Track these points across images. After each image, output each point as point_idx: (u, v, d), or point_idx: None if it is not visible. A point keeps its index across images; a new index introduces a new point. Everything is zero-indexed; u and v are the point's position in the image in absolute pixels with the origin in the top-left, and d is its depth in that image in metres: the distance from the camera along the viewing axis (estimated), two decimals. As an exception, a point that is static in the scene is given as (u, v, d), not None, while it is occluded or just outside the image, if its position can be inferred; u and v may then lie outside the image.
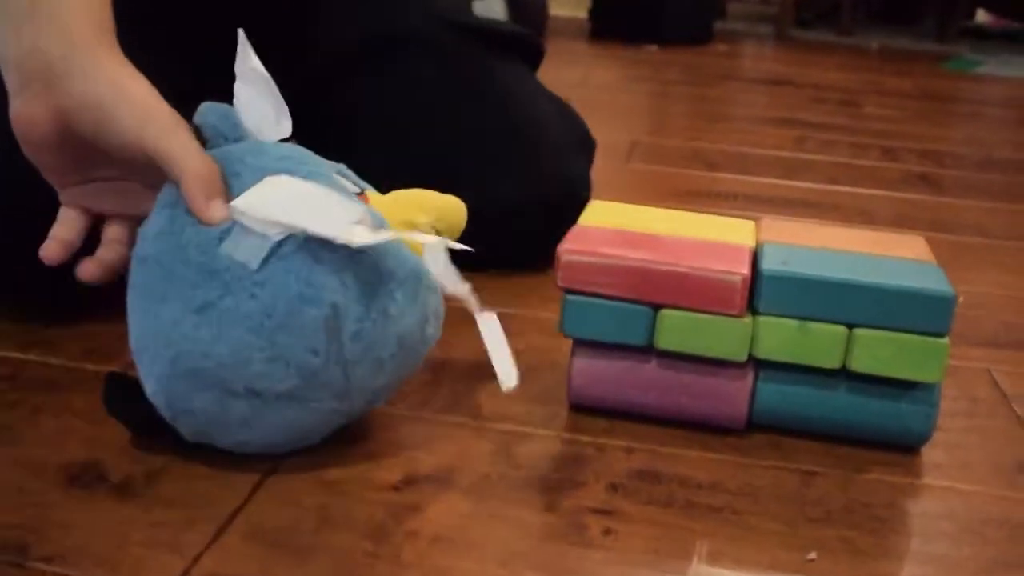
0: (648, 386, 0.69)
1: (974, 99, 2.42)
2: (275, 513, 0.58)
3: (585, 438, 0.69)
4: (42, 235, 0.64)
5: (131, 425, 0.64)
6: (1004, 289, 1.05)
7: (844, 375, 0.68)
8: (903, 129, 1.89)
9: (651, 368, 0.69)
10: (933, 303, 0.65)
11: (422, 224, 0.70)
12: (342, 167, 0.66)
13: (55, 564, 0.53)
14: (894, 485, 0.66)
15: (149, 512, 0.58)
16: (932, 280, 0.66)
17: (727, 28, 3.38)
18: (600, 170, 1.13)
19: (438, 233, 0.72)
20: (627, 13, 2.91)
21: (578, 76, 2.17)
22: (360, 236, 0.58)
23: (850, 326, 0.66)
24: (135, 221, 0.63)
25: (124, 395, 0.63)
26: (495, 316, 0.63)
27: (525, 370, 0.76)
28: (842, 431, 0.69)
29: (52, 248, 0.64)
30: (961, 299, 0.98)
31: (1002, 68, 2.89)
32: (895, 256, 0.71)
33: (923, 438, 0.69)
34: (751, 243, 0.71)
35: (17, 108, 0.61)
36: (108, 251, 0.65)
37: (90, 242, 0.65)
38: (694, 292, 0.66)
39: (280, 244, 0.58)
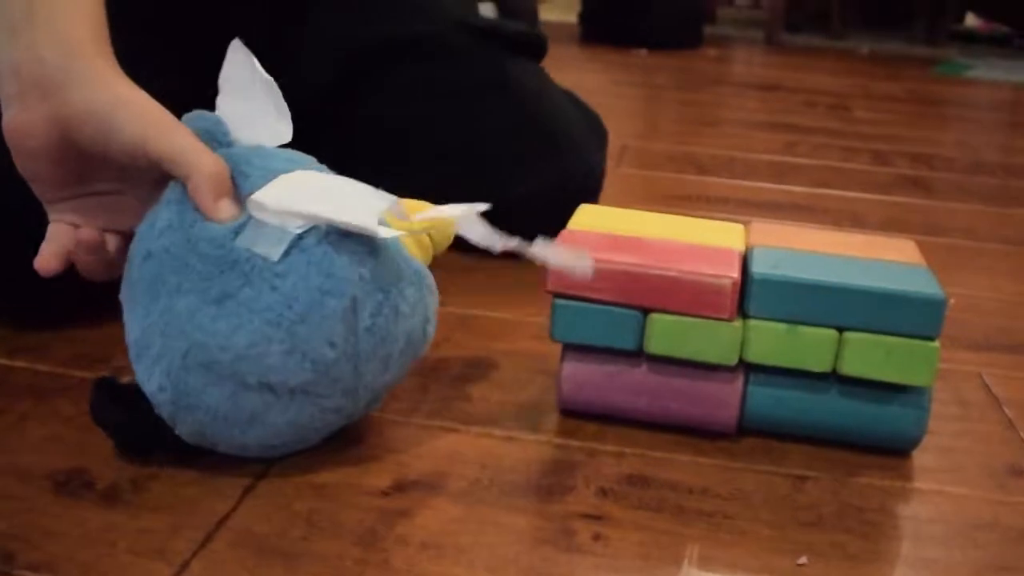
0: (638, 390, 0.69)
1: (964, 103, 2.42)
2: (264, 519, 0.58)
3: (575, 443, 0.68)
4: (28, 241, 0.63)
5: (117, 434, 0.63)
6: (995, 292, 1.05)
7: (835, 379, 0.68)
8: (893, 133, 1.89)
9: (641, 372, 0.69)
10: (923, 306, 0.65)
11: (411, 233, 0.70)
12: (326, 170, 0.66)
13: (42, 572, 0.53)
14: (885, 489, 0.65)
15: (136, 519, 0.57)
16: (922, 283, 0.66)
17: (717, 33, 3.38)
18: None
19: (432, 240, 0.72)
20: (617, 18, 2.90)
21: (568, 80, 2.16)
22: (385, 229, 0.58)
23: (840, 329, 0.66)
24: (125, 238, 0.63)
25: (112, 402, 0.63)
26: (541, 240, 0.63)
27: (516, 375, 0.77)
28: (833, 435, 0.69)
29: (46, 259, 0.62)
30: (952, 302, 0.98)
31: (991, 72, 2.89)
32: (885, 259, 0.71)
33: (914, 442, 0.68)
34: (741, 247, 0.71)
35: (12, 117, 0.60)
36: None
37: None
38: (684, 296, 0.66)
39: (300, 237, 0.58)
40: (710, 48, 3.03)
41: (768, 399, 0.68)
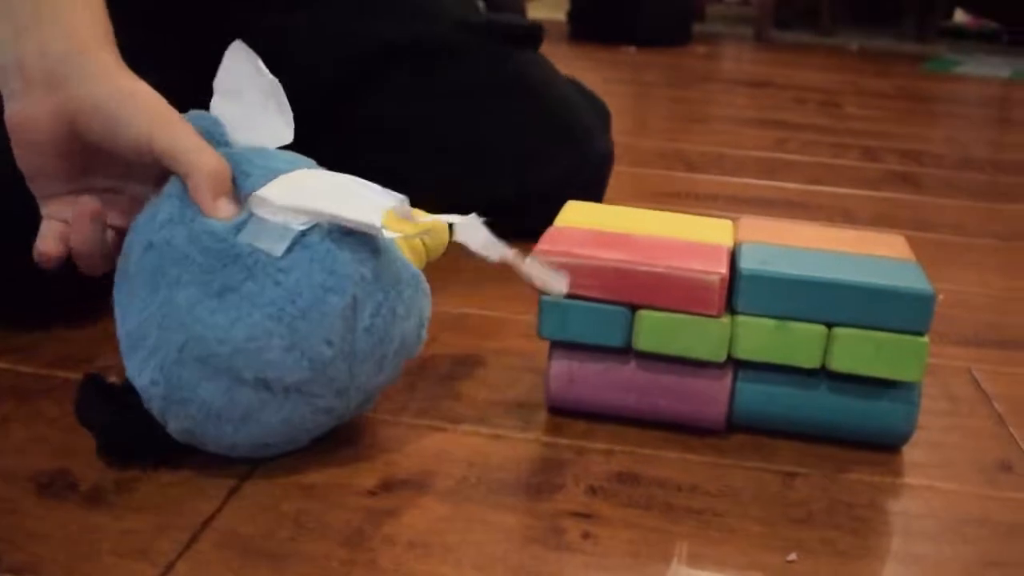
0: (627, 388, 0.68)
1: (953, 99, 2.42)
2: (250, 519, 0.57)
3: (564, 441, 0.68)
4: (17, 242, 0.63)
5: (102, 434, 0.62)
6: (984, 288, 1.04)
7: (824, 375, 0.67)
8: (883, 129, 1.89)
9: (629, 370, 0.68)
10: (913, 301, 0.65)
11: (411, 236, 0.70)
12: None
13: (24, 574, 0.52)
14: (875, 485, 0.65)
15: (120, 520, 0.57)
16: (912, 278, 0.66)
17: (706, 30, 3.38)
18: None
19: (425, 247, 0.72)
20: (605, 15, 2.90)
21: (558, 78, 2.17)
22: (388, 229, 0.58)
23: (829, 325, 0.66)
24: (119, 234, 0.63)
25: (99, 400, 0.62)
26: (533, 257, 0.64)
27: (504, 374, 0.76)
28: (822, 431, 0.68)
29: (46, 242, 0.62)
30: (941, 297, 0.98)
31: (980, 68, 2.90)
32: (874, 254, 0.70)
33: (904, 437, 0.68)
34: (729, 242, 0.70)
35: (18, 110, 0.60)
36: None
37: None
38: (672, 292, 0.66)
39: (303, 234, 0.58)
40: (699, 45, 3.02)
41: (757, 395, 0.68)
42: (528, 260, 0.63)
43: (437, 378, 0.75)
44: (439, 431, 0.68)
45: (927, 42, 3.38)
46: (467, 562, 0.55)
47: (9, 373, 0.73)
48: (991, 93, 2.55)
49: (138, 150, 0.59)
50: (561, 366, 0.69)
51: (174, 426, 0.60)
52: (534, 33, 1.12)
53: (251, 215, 0.58)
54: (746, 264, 0.66)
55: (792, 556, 0.57)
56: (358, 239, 0.59)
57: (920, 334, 0.65)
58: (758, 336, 0.66)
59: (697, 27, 3.23)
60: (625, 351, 0.68)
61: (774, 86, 2.36)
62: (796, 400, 0.68)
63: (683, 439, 0.69)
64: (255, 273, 0.57)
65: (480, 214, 0.99)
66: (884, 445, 0.69)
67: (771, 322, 0.66)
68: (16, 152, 0.61)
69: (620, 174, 1.32)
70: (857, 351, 0.65)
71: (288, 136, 0.64)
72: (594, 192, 1.13)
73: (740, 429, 0.70)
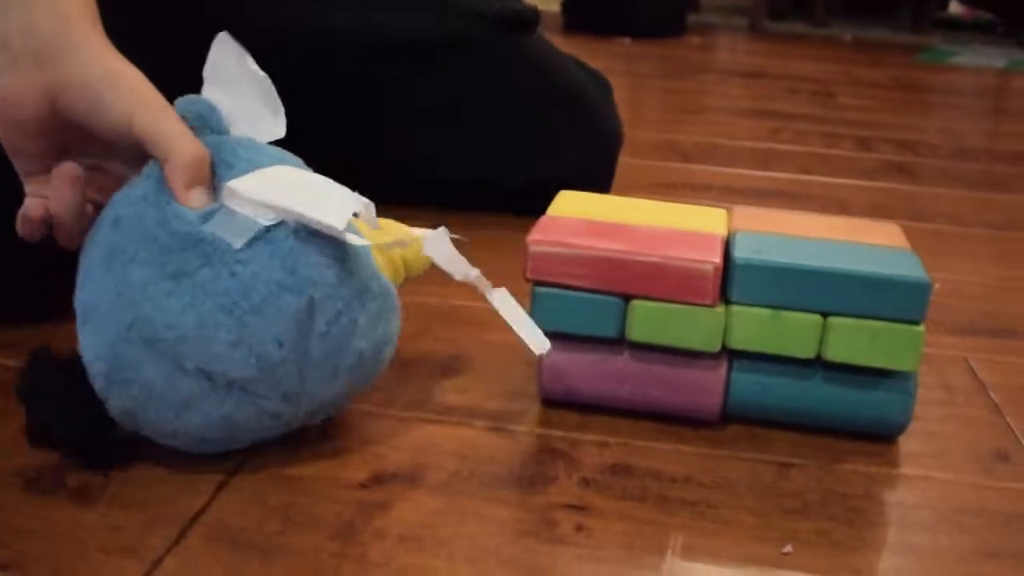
0: (620, 379, 0.68)
1: (947, 89, 2.42)
2: (239, 514, 0.57)
3: (557, 433, 0.67)
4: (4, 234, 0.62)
5: (40, 414, 0.60)
6: (980, 277, 1.04)
7: (819, 364, 0.67)
8: (878, 119, 1.88)
9: (623, 360, 0.68)
10: (908, 290, 0.64)
11: (396, 256, 0.69)
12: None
13: (11, 571, 0.51)
14: (871, 475, 0.65)
15: (108, 516, 0.56)
16: (907, 267, 0.65)
17: (700, 21, 3.38)
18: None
19: (405, 262, 0.70)
20: (600, 6, 2.89)
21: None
22: (352, 235, 0.58)
23: (824, 314, 0.65)
24: (98, 210, 0.62)
25: (43, 375, 0.60)
26: (505, 291, 0.62)
27: (496, 365, 0.76)
28: (818, 421, 0.68)
29: (30, 207, 0.61)
30: (937, 287, 0.97)
31: (975, 58, 2.89)
32: (870, 243, 0.70)
33: (900, 427, 0.68)
34: (723, 231, 0.70)
35: (5, 86, 0.60)
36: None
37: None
38: (665, 282, 0.65)
39: (268, 230, 0.57)
40: (693, 36, 3.02)
41: (752, 386, 0.67)
42: (496, 292, 0.62)
43: (429, 370, 0.75)
44: (431, 423, 0.68)
45: (922, 33, 3.37)
46: (459, 555, 0.54)
47: (-4, 367, 0.72)
48: (986, 83, 2.55)
49: (119, 131, 0.59)
50: (554, 357, 0.68)
51: (114, 405, 0.58)
52: (533, 18, 1.13)
53: (222, 205, 0.57)
54: (740, 253, 0.66)
55: (788, 548, 0.57)
56: (326, 243, 0.58)
57: (916, 323, 0.64)
58: (753, 326, 0.65)
59: (691, 18, 3.22)
60: (618, 342, 0.68)
61: (768, 76, 2.35)
62: (791, 390, 0.67)
63: (677, 430, 0.68)
64: (212, 261, 0.56)
65: (501, 201, 1.06)
66: (880, 435, 0.68)
67: (766, 311, 0.65)
68: (0, 128, 0.61)
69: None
70: (852, 340, 0.65)
71: (280, 131, 0.64)
72: (607, 172, 1.18)
73: (734, 420, 0.69)
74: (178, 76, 0.65)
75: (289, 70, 0.65)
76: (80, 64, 0.59)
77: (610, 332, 0.67)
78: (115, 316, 0.57)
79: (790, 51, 2.85)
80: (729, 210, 0.76)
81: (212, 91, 0.63)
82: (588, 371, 0.68)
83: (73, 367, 0.59)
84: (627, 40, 2.79)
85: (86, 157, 0.63)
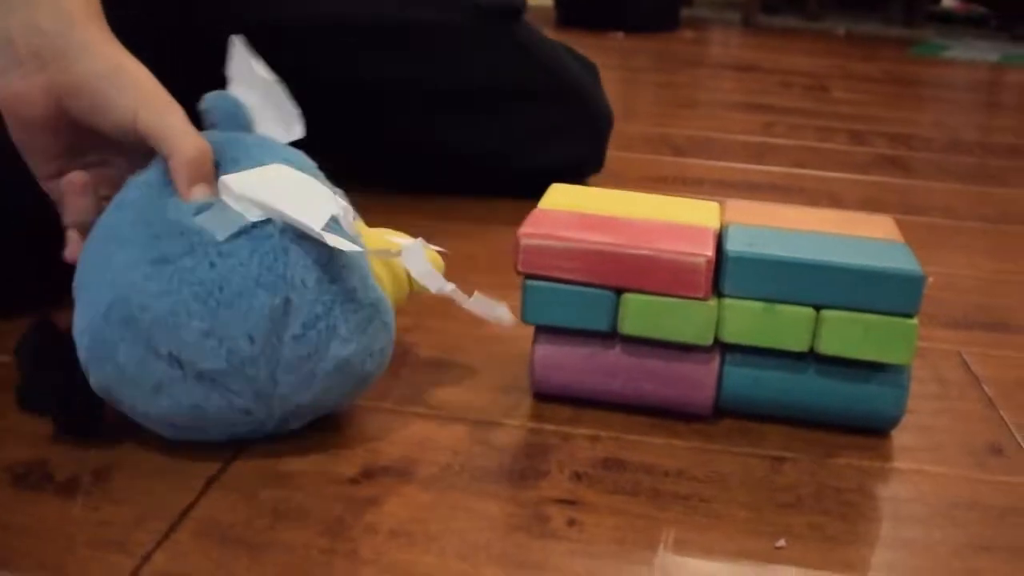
0: (612, 373, 0.68)
1: (941, 83, 2.42)
2: (229, 508, 0.56)
3: (549, 427, 0.67)
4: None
5: (27, 381, 0.61)
6: (973, 270, 1.04)
7: (812, 358, 0.66)
8: (871, 113, 1.88)
9: (615, 354, 0.67)
10: (902, 283, 0.64)
11: (398, 267, 0.68)
12: (341, 193, 0.66)
13: (-2, 567, 0.51)
14: (864, 469, 0.64)
15: (97, 511, 0.56)
16: (901, 260, 0.65)
17: (694, 15, 3.37)
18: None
19: (409, 279, 0.70)
20: (593, 1, 2.89)
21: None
22: (334, 238, 0.57)
23: (817, 308, 0.65)
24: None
25: (41, 346, 0.61)
26: (478, 293, 0.62)
27: (488, 360, 0.75)
28: (811, 415, 0.68)
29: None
30: (931, 280, 0.97)
31: (968, 52, 2.89)
32: (863, 236, 0.69)
33: (893, 421, 0.67)
34: (715, 225, 0.70)
35: (9, 85, 0.60)
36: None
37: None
38: (657, 275, 0.65)
39: (255, 226, 0.57)
40: (687, 30, 3.02)
41: (745, 379, 0.67)
42: (473, 298, 0.62)
43: (420, 364, 0.74)
44: (422, 418, 0.67)
45: (915, 27, 3.37)
46: (450, 551, 0.54)
47: (-15, 362, 0.72)
48: (980, 77, 2.55)
49: (124, 128, 0.59)
50: (545, 351, 0.68)
51: (95, 380, 0.59)
52: (519, 6, 1.15)
53: (218, 199, 0.58)
54: (733, 246, 0.65)
55: (781, 542, 0.56)
56: (312, 246, 0.58)
57: (909, 316, 0.64)
58: (745, 319, 0.65)
59: (685, 12, 3.22)
60: (610, 335, 0.67)
61: (761, 70, 2.35)
62: (784, 384, 0.67)
63: (670, 424, 0.68)
64: (195, 250, 0.56)
65: (497, 186, 1.09)
66: (873, 429, 0.68)
67: (758, 305, 0.65)
68: (10, 128, 0.61)
69: (608, 159, 1.32)
70: (846, 334, 0.64)
71: (299, 132, 0.64)
72: (598, 154, 1.22)
73: (727, 414, 0.69)
74: (178, 71, 0.65)
75: (284, 60, 0.65)
76: (84, 62, 0.59)
77: (602, 326, 0.66)
78: (99, 294, 0.58)
79: (783, 45, 2.85)
80: (722, 203, 0.75)
81: (238, 89, 0.64)
82: (580, 365, 0.68)
83: (69, 337, 0.60)
84: (620, 34, 2.78)
85: (95, 154, 0.63)
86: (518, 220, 0.68)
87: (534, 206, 0.71)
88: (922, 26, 3.39)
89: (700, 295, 0.64)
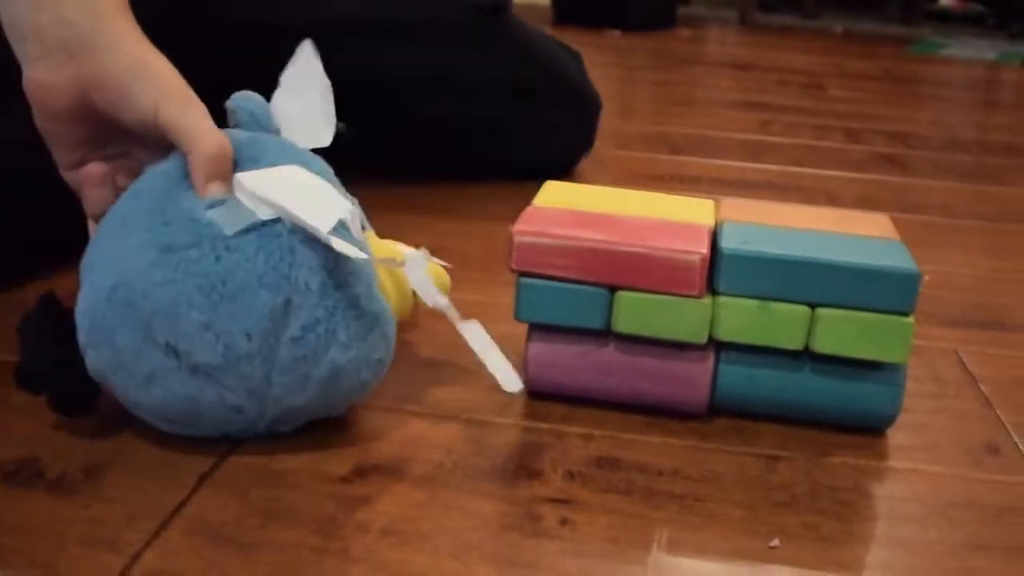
0: (607, 371, 0.67)
1: (938, 81, 2.41)
2: (220, 507, 0.56)
3: (543, 425, 0.67)
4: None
5: (27, 356, 0.61)
6: (970, 269, 1.03)
7: (807, 356, 0.66)
8: (868, 111, 1.88)
9: (609, 352, 0.67)
10: (897, 281, 0.63)
11: (403, 280, 0.68)
12: (355, 202, 0.66)
13: (-13, 565, 0.51)
14: (860, 468, 0.64)
15: (87, 509, 0.55)
16: (896, 257, 0.65)
17: (690, 13, 3.37)
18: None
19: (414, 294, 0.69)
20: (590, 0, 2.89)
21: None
22: (340, 243, 0.57)
23: (813, 306, 0.64)
24: None
25: (43, 321, 0.61)
26: (477, 323, 0.62)
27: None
28: (806, 414, 0.67)
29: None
30: (927, 279, 0.97)
31: (966, 50, 2.89)
32: (858, 234, 0.69)
33: (889, 420, 0.67)
34: (710, 222, 0.69)
35: (36, 75, 0.60)
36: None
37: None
38: (652, 273, 0.64)
39: (264, 224, 0.57)
40: (684, 29, 3.01)
41: (740, 378, 0.67)
42: (467, 324, 0.61)
43: (415, 362, 0.74)
44: (416, 416, 0.67)
45: (912, 25, 3.37)
46: (442, 550, 0.53)
47: (-24, 360, 0.72)
48: (977, 75, 2.55)
49: (145, 123, 0.60)
50: (539, 349, 0.68)
51: (91, 364, 0.59)
52: (502, 1, 1.17)
53: (232, 195, 0.58)
54: (728, 244, 0.65)
55: (775, 542, 0.56)
56: (319, 250, 0.58)
57: (905, 314, 0.64)
58: (740, 317, 0.65)
59: (682, 10, 3.22)
60: (605, 334, 0.67)
61: (758, 69, 2.35)
62: (779, 382, 0.66)
63: (664, 423, 0.67)
64: (202, 242, 0.57)
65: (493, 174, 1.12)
66: (869, 428, 0.68)
67: (753, 303, 0.65)
68: (36, 118, 0.62)
69: (604, 157, 1.32)
70: (841, 332, 0.64)
71: (326, 140, 0.65)
72: (589, 139, 1.27)
73: (722, 412, 0.69)
74: (208, 67, 0.66)
75: (282, 61, 0.65)
76: (110, 56, 0.60)
77: (596, 324, 0.66)
78: (104, 277, 0.58)
79: (780, 43, 2.84)
80: (717, 201, 0.75)
81: (281, 93, 0.65)
82: (574, 363, 0.67)
83: (72, 316, 0.60)
84: (617, 33, 2.78)
85: (117, 146, 0.64)
86: (513, 217, 0.68)
87: (528, 203, 0.71)
88: (919, 24, 3.39)
89: (695, 293, 0.64)
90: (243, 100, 0.64)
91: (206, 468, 0.59)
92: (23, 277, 0.80)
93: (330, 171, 0.64)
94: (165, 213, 0.58)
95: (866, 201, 1.26)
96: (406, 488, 0.59)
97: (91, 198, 0.64)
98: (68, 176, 0.64)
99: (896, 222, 0.75)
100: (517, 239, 0.65)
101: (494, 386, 0.70)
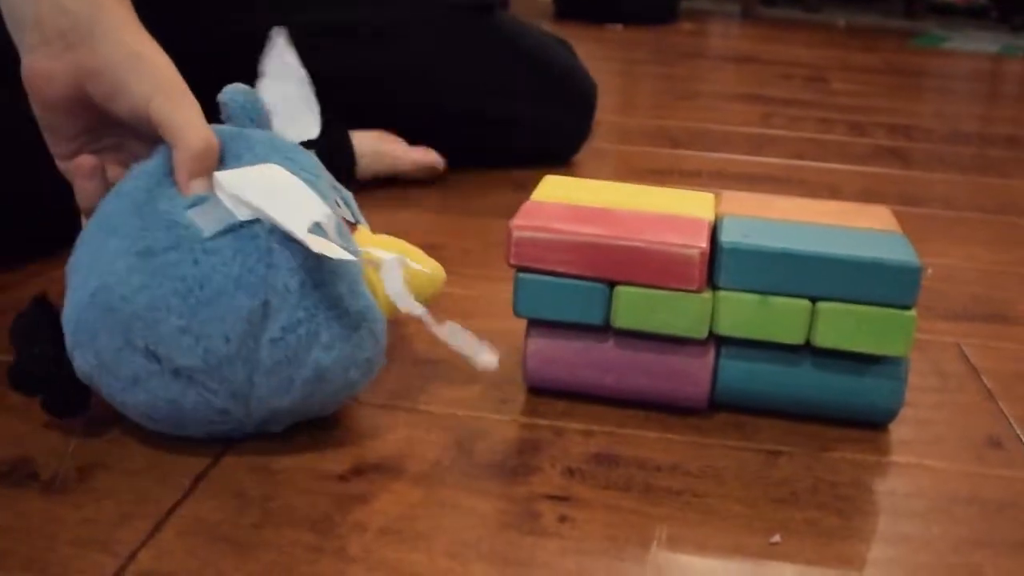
0: (606, 366, 0.67)
1: (941, 74, 2.41)
2: (216, 507, 0.55)
3: (542, 422, 0.66)
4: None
5: (18, 356, 0.61)
6: (973, 262, 1.03)
7: (808, 351, 0.65)
8: (871, 104, 1.87)
9: (609, 348, 0.66)
10: (898, 274, 0.63)
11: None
12: (349, 196, 0.66)
13: (-20, 566, 0.50)
14: (861, 463, 0.63)
15: (81, 509, 0.55)
16: (897, 250, 0.64)
17: (693, 7, 3.36)
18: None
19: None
20: (592, -7, 2.88)
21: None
22: (318, 243, 0.56)
23: (813, 300, 0.64)
24: None
25: (35, 322, 0.61)
26: (454, 323, 0.61)
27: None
28: (807, 409, 0.67)
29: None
30: (930, 271, 0.96)
31: (968, 43, 2.88)
32: (859, 227, 0.68)
33: (891, 414, 0.67)
34: (710, 216, 0.69)
35: (35, 63, 0.60)
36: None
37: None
38: (651, 267, 0.64)
39: (243, 225, 0.57)
40: (686, 22, 3.01)
41: (740, 373, 0.66)
42: (443, 326, 0.60)
43: (413, 359, 0.74)
44: (414, 413, 0.66)
45: (915, 18, 3.36)
46: (439, 548, 0.53)
47: (-29, 359, 0.71)
48: (980, 68, 2.54)
49: (138, 115, 0.60)
50: (538, 345, 0.67)
51: (78, 366, 0.59)
52: (491, 1, 1.19)
53: (213, 195, 0.58)
54: (727, 237, 0.64)
55: (776, 538, 0.55)
56: (298, 250, 0.57)
57: (907, 307, 0.63)
58: (740, 312, 0.64)
59: (684, 4, 3.21)
60: (604, 329, 0.66)
61: (760, 62, 2.34)
62: (780, 377, 0.66)
63: (664, 418, 0.67)
64: (180, 245, 0.56)
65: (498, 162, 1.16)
66: (871, 422, 0.67)
67: (753, 297, 0.64)
68: (34, 106, 0.62)
69: (605, 152, 1.31)
70: (842, 326, 0.63)
71: (314, 132, 0.64)
72: (587, 128, 1.29)
73: (722, 407, 0.68)
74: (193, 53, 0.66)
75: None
76: (106, 46, 0.59)
77: (595, 319, 0.65)
78: (86, 280, 0.58)
79: (783, 36, 2.84)
80: (717, 194, 0.74)
81: (267, 83, 0.64)
82: (573, 359, 0.67)
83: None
84: (619, 27, 2.77)
85: (112, 138, 0.64)
86: (511, 212, 0.67)
87: (527, 197, 0.70)
88: (922, 17, 3.38)
89: (694, 287, 0.64)
90: (234, 93, 0.63)
91: (201, 468, 0.59)
92: (16, 275, 0.80)
93: (320, 166, 0.64)
94: (144, 216, 0.57)
95: (868, 194, 1.26)
96: (403, 486, 0.58)
97: (80, 190, 0.63)
98: (63, 166, 0.64)
99: (898, 215, 0.75)
100: (515, 234, 0.65)
101: (492, 382, 0.70)
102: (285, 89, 0.64)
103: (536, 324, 0.67)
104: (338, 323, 0.58)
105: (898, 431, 0.67)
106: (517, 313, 0.67)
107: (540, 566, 0.52)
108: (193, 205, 0.57)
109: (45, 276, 0.82)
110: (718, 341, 0.66)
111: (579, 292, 0.65)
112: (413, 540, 0.53)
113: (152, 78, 0.59)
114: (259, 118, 0.64)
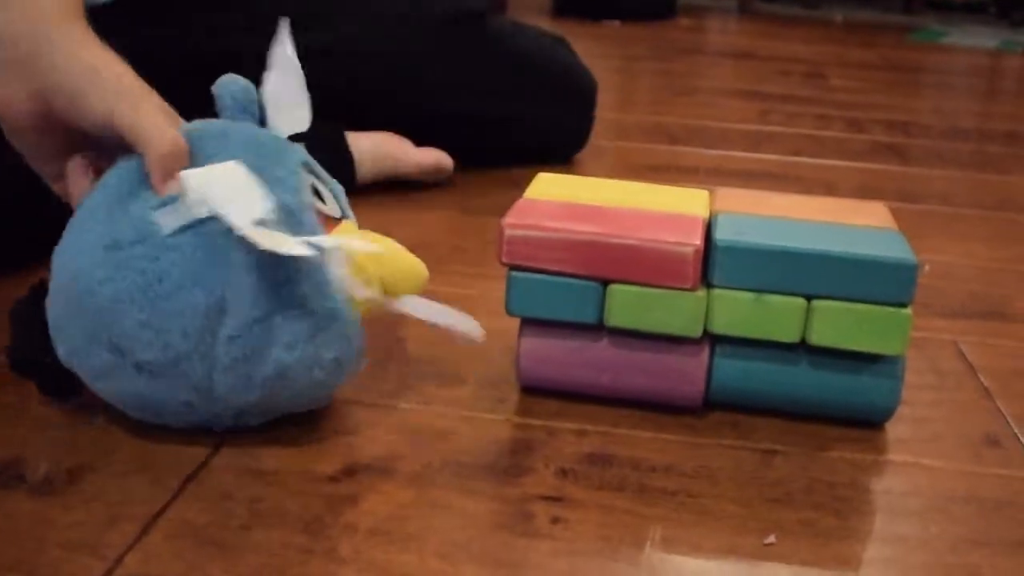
0: (600, 366, 0.66)
1: (940, 69, 2.40)
2: (204, 509, 0.55)
3: (536, 422, 0.66)
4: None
5: (14, 339, 0.62)
6: (970, 259, 1.02)
7: (804, 349, 0.65)
8: (869, 100, 1.87)
9: (602, 347, 0.66)
10: (894, 272, 0.62)
11: (370, 273, 0.64)
12: (340, 190, 0.65)
13: (-35, 569, 0.50)
14: (857, 462, 0.63)
15: (70, 511, 0.54)
16: (893, 247, 0.64)
17: (690, 3, 3.35)
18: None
19: (384, 287, 0.66)
20: (590, -11, 2.87)
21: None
22: (267, 237, 0.55)
23: (809, 298, 0.63)
24: None
25: (32, 307, 0.62)
26: (413, 297, 0.60)
27: (474, 353, 0.74)
28: (803, 408, 0.66)
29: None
30: (927, 268, 0.96)
31: (967, 39, 2.87)
32: (855, 224, 0.68)
33: (887, 413, 0.66)
34: (704, 213, 0.68)
35: None
36: None
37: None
38: (645, 266, 0.63)
39: (203, 222, 0.57)
40: (684, 18, 3.00)
41: (735, 372, 0.66)
42: (402, 302, 0.60)
43: (404, 358, 0.73)
44: (405, 413, 0.66)
45: (913, 13, 3.35)
46: (430, 550, 0.52)
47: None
48: (979, 64, 2.53)
49: (103, 126, 0.59)
50: (531, 344, 0.67)
51: (59, 350, 0.60)
52: (480, 8, 1.18)
53: (181, 194, 0.58)
54: (722, 235, 0.64)
55: (771, 538, 0.55)
56: (260, 248, 0.56)
57: (903, 305, 0.63)
58: (735, 310, 0.64)
59: (682, 0, 3.20)
60: (598, 328, 0.66)
61: (758, 58, 2.34)
62: (775, 376, 0.65)
63: (658, 418, 0.66)
64: (146, 241, 0.57)
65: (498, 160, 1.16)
66: (867, 421, 0.67)
67: (748, 295, 0.63)
68: (6, 133, 0.62)
69: (602, 149, 1.31)
70: (838, 324, 0.63)
71: (304, 125, 0.64)
72: (588, 123, 1.28)
73: (717, 407, 0.68)
74: (164, 48, 0.65)
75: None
76: (60, 63, 0.59)
77: (589, 318, 0.65)
78: (62, 271, 0.59)
79: (781, 32, 2.83)
80: (711, 191, 0.74)
81: (273, 76, 0.64)
82: (567, 358, 0.66)
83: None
84: (617, 23, 2.77)
85: (91, 151, 0.63)
86: (505, 210, 0.67)
87: (521, 195, 0.70)
88: (921, 12, 3.37)
89: (688, 286, 0.63)
90: (227, 84, 0.63)
91: (190, 469, 0.58)
92: (16, 275, 0.79)
93: (313, 162, 0.63)
94: (114, 211, 0.58)
95: (866, 191, 1.25)
96: (394, 487, 0.58)
97: (78, 191, 0.62)
98: (57, 188, 0.64)
99: (896, 212, 0.74)
100: (508, 232, 0.64)
101: (486, 381, 0.69)
102: (286, 80, 0.63)
103: (529, 323, 0.67)
104: (300, 323, 0.58)
105: (895, 430, 0.67)
106: (510, 312, 0.66)
107: (532, 567, 0.52)
108: (163, 205, 0.57)
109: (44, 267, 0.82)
110: (713, 340, 0.66)
111: (572, 291, 0.65)
112: (404, 541, 0.53)
113: (112, 88, 0.59)
114: (252, 108, 0.63)
